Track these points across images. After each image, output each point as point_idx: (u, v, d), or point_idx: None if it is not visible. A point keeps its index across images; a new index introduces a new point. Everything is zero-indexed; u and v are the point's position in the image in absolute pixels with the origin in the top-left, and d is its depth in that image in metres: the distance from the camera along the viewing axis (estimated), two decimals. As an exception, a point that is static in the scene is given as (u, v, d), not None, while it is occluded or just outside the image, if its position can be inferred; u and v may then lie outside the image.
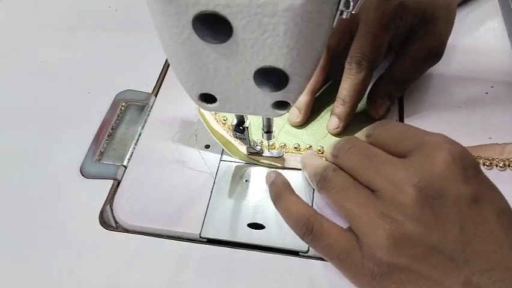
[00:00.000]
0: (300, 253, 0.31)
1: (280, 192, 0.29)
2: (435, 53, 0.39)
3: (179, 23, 0.22)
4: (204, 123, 0.36)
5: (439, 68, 0.40)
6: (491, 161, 0.35)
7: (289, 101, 0.26)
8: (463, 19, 0.47)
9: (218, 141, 0.36)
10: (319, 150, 0.36)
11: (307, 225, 0.27)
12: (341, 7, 0.23)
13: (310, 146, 0.36)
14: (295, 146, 0.36)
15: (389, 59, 0.40)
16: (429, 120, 0.38)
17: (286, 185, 0.30)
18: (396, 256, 0.24)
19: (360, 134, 0.30)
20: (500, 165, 0.35)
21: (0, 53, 0.47)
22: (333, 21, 0.23)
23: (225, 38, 0.22)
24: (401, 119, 0.38)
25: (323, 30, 0.23)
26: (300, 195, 0.29)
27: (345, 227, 0.27)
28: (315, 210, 0.28)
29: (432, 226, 0.24)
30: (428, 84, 0.41)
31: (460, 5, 0.47)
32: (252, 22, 0.21)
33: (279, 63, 0.23)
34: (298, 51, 0.22)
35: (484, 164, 0.35)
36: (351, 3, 0.23)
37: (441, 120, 0.38)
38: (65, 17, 0.50)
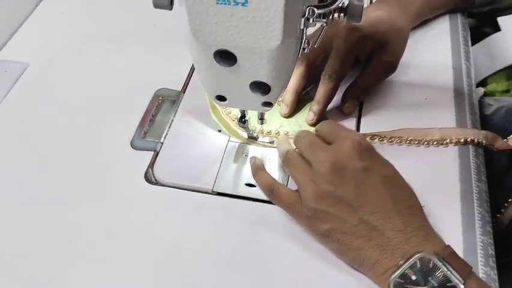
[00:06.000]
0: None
1: (256, 169, 0.45)
2: (390, 67, 0.52)
3: (206, 54, 0.36)
4: (214, 116, 0.50)
5: (392, 78, 0.53)
6: (429, 141, 0.48)
7: (271, 102, 0.40)
8: (419, 38, 0.59)
9: (223, 127, 0.50)
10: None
11: (269, 189, 0.43)
12: (303, 46, 0.38)
13: (288, 132, 0.51)
14: (277, 131, 0.50)
15: (358, 71, 0.53)
16: (381, 116, 0.51)
17: (260, 165, 0.46)
18: (319, 204, 0.39)
19: (314, 128, 0.47)
20: (435, 143, 0.48)
21: (68, 57, 0.61)
22: (298, 54, 0.38)
23: (232, 63, 0.36)
24: (360, 116, 0.52)
25: (291, 60, 0.37)
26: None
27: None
28: (275, 180, 0.44)
29: (338, 185, 0.39)
30: (382, 90, 0.54)
31: (417, 26, 0.60)
32: (249, 56, 0.35)
33: (265, 79, 0.37)
34: (276, 72, 0.36)
35: (422, 143, 0.48)
36: (309, 45, 0.37)
37: (390, 117, 0.51)
38: (116, 30, 0.64)
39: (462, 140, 0.48)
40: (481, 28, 0.93)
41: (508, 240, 0.51)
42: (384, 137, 0.49)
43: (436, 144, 0.48)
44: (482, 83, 0.91)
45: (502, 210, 0.52)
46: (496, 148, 0.49)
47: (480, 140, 0.48)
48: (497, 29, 0.91)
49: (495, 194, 0.49)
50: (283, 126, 0.51)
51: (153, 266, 0.42)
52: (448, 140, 0.48)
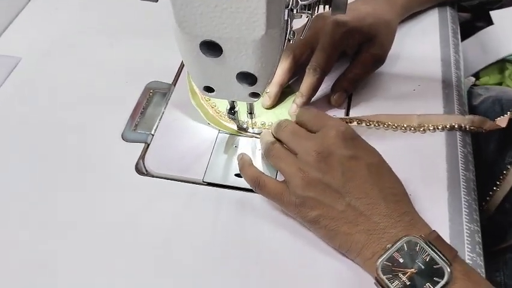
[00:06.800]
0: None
1: (243, 164, 0.45)
2: (378, 59, 0.53)
3: (192, 45, 0.36)
4: (203, 115, 0.51)
5: (381, 70, 0.54)
6: (407, 127, 0.49)
7: (259, 92, 0.41)
8: (408, 31, 0.60)
9: (213, 124, 0.51)
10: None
11: (255, 182, 0.43)
12: (289, 37, 0.38)
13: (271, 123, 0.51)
14: (270, 124, 0.51)
15: (346, 64, 0.54)
16: (370, 107, 0.52)
17: (247, 160, 0.46)
18: (307, 191, 0.40)
19: (295, 115, 0.47)
20: (412, 129, 0.49)
21: (60, 51, 0.61)
22: (284, 45, 0.38)
23: (218, 54, 0.36)
24: (348, 107, 0.53)
25: (276, 50, 0.37)
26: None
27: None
28: (261, 172, 0.44)
29: (325, 172, 0.39)
30: (371, 81, 0.54)
31: (407, 19, 0.61)
32: (234, 47, 0.35)
33: (251, 69, 0.38)
34: (262, 62, 0.37)
35: (400, 128, 0.49)
36: (294, 36, 0.38)
37: (379, 108, 0.51)
38: (108, 24, 0.65)
39: (441, 127, 0.49)
40: (474, 22, 0.94)
41: (496, 229, 0.52)
42: (363, 120, 0.49)
43: (413, 130, 0.49)
44: (475, 76, 0.91)
45: (488, 198, 0.52)
46: (484, 130, 0.50)
47: (464, 125, 0.49)
48: (490, 23, 0.91)
49: (484, 181, 0.50)
50: (273, 119, 0.52)
51: (144, 257, 0.43)
52: (425, 126, 0.49)
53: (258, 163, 0.48)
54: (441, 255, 0.35)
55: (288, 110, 0.52)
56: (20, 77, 0.59)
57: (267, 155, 0.45)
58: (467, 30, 0.90)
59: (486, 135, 0.51)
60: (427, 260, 0.35)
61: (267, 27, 0.33)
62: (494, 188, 0.52)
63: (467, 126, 0.49)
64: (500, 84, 0.90)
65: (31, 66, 0.60)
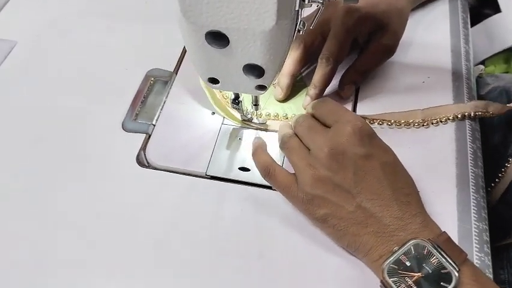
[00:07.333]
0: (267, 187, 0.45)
1: (255, 149, 0.44)
2: (389, 50, 0.51)
3: (197, 35, 0.35)
4: (210, 98, 0.50)
5: (390, 60, 0.52)
6: (411, 123, 0.48)
7: (266, 85, 0.39)
8: (418, 20, 0.58)
9: (218, 109, 0.49)
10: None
11: (266, 170, 0.42)
12: (299, 27, 0.36)
13: (286, 114, 0.50)
14: (275, 114, 0.50)
15: (356, 54, 0.52)
16: (378, 100, 0.51)
17: (261, 145, 0.44)
18: (316, 189, 0.38)
19: (310, 106, 0.45)
20: (416, 125, 0.48)
21: (57, 35, 0.59)
22: (293, 36, 0.37)
23: (225, 45, 0.35)
24: (356, 100, 0.51)
25: (285, 42, 0.35)
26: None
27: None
28: (273, 161, 0.42)
29: (336, 171, 0.38)
30: (379, 73, 0.53)
31: (417, 8, 0.59)
32: (241, 37, 0.34)
33: (259, 61, 0.36)
34: (270, 55, 0.35)
35: (405, 125, 0.48)
36: (305, 26, 0.36)
37: (387, 101, 0.50)
38: (107, 6, 0.62)
39: (445, 119, 0.48)
40: (481, 9, 0.91)
41: (499, 222, 0.51)
42: (365, 118, 0.48)
43: (418, 125, 0.48)
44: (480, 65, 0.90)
45: (489, 189, 0.51)
46: (491, 114, 0.48)
47: (468, 113, 0.48)
48: (497, 10, 0.89)
49: (486, 171, 0.49)
50: (279, 110, 0.50)
51: (145, 250, 0.42)
52: (429, 120, 0.48)
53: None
54: (449, 260, 0.34)
55: (300, 103, 0.50)
56: (15, 61, 0.57)
57: (282, 147, 0.43)
58: (474, 17, 0.88)
59: (492, 126, 0.50)
60: (435, 264, 0.34)
61: (277, 18, 0.31)
62: (497, 180, 0.51)
63: (472, 113, 0.48)
64: (506, 73, 0.89)
65: (27, 50, 0.58)
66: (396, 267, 0.35)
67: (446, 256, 0.34)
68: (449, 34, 0.57)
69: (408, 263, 0.35)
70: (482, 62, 0.90)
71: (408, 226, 0.36)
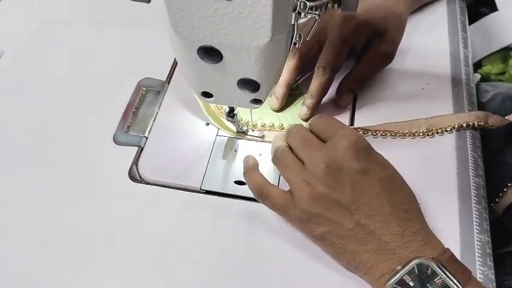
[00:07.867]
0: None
1: (247, 169, 0.42)
2: (387, 57, 0.49)
3: (189, 50, 0.33)
4: (204, 109, 0.48)
5: (388, 67, 0.50)
6: (415, 133, 0.47)
7: (261, 99, 0.38)
8: (416, 24, 0.57)
9: (212, 120, 0.48)
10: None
11: (259, 192, 0.40)
12: (295, 40, 0.35)
13: (282, 125, 0.49)
14: (271, 124, 0.48)
15: (353, 62, 0.51)
16: (376, 109, 0.49)
17: (253, 165, 0.43)
18: (313, 207, 0.37)
19: (307, 122, 0.44)
20: (421, 135, 0.47)
21: (45, 43, 0.57)
22: (289, 50, 0.35)
23: (218, 60, 0.33)
24: (353, 108, 0.50)
25: (281, 56, 0.34)
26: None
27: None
28: (266, 181, 0.41)
29: (334, 188, 0.37)
30: (378, 80, 0.51)
31: (415, 11, 0.58)
32: (235, 53, 0.32)
33: (253, 76, 0.35)
34: (265, 70, 0.34)
35: (409, 135, 0.47)
36: (301, 39, 0.34)
37: (386, 109, 0.49)
38: (96, 13, 0.60)
39: (449, 128, 0.47)
40: (477, 7, 0.90)
41: (502, 231, 0.50)
42: (369, 130, 0.47)
43: (422, 135, 0.47)
44: (477, 65, 0.89)
45: (497, 199, 0.51)
46: (491, 125, 0.47)
47: (472, 122, 0.47)
48: (494, 8, 0.88)
49: (490, 181, 0.48)
50: (275, 120, 0.49)
51: (138, 267, 0.40)
52: (434, 130, 0.47)
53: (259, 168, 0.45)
54: (454, 280, 0.33)
55: (296, 113, 0.49)
56: (2, 71, 0.55)
57: (275, 161, 0.42)
58: (470, 15, 0.86)
59: (495, 135, 0.49)
60: (439, 284, 0.33)
61: (272, 34, 0.30)
62: (505, 190, 0.50)
63: (475, 123, 0.47)
64: (503, 73, 0.88)
65: (14, 60, 0.56)
66: (399, 287, 0.34)
67: (450, 276, 0.33)
68: (447, 38, 0.56)
69: (411, 283, 0.34)
70: (480, 62, 0.89)
71: (409, 244, 0.35)
